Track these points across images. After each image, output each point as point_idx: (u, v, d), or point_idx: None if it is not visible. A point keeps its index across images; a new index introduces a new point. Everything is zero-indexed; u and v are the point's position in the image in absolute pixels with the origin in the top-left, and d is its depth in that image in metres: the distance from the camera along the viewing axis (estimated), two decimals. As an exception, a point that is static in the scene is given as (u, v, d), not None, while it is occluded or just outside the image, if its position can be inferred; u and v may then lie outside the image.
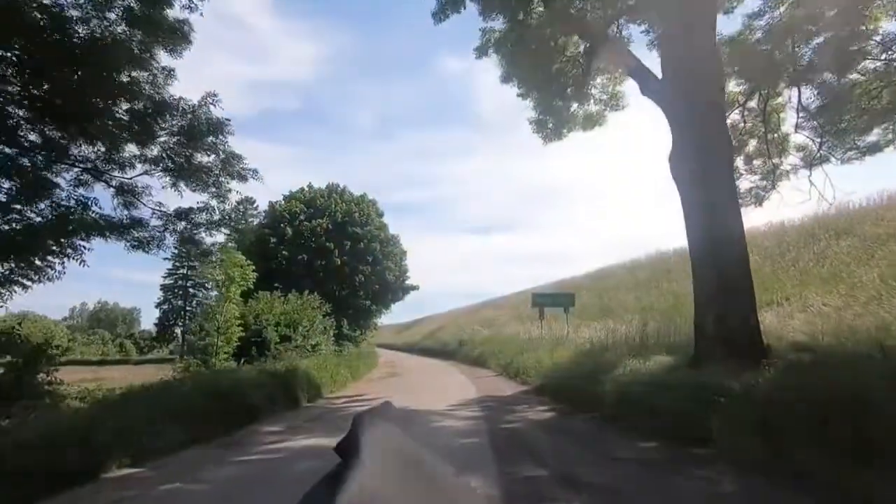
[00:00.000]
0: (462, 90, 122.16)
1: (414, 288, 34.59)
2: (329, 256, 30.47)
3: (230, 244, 17.51)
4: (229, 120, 11.76)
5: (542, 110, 13.84)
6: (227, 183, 12.31)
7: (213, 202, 12.52)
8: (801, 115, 13.11)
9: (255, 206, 30.31)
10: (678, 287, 22.31)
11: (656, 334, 13.37)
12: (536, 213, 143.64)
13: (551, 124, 13.96)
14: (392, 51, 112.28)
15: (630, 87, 13.52)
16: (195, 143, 11.62)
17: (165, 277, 56.75)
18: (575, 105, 13.87)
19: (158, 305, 58.45)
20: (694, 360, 8.85)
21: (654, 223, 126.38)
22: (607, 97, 14.09)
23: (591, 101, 14.00)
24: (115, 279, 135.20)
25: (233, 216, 13.01)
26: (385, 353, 40.07)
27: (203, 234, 12.97)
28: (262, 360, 16.88)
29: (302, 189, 33.46)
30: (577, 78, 13.20)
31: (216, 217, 12.67)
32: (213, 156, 12.04)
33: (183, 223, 12.53)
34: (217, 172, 12.14)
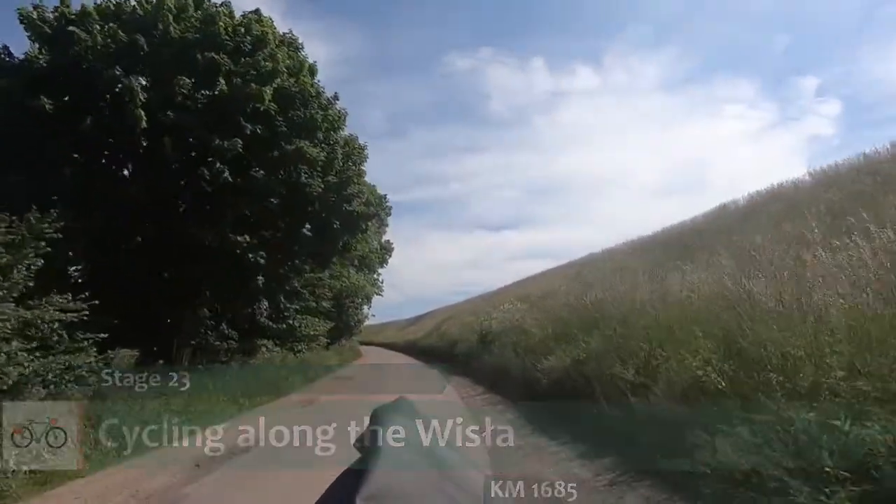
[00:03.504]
0: (471, 87, 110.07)
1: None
2: (134, 122, 11.40)
3: None
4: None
5: None
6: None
7: None
8: None
9: None
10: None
11: None
12: (549, 207, 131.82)
13: None
14: (401, 50, 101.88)
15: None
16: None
17: None
18: None
19: None
20: None
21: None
22: None
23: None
24: None
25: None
26: (373, 357, 29.88)
27: None
28: None
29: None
30: None
31: None
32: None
33: None
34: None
